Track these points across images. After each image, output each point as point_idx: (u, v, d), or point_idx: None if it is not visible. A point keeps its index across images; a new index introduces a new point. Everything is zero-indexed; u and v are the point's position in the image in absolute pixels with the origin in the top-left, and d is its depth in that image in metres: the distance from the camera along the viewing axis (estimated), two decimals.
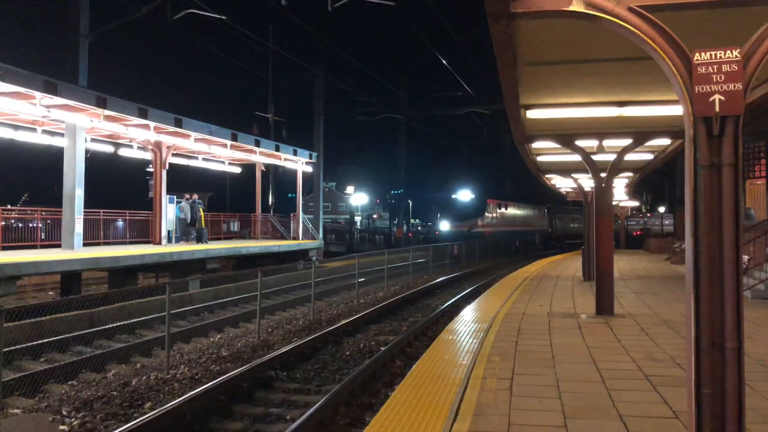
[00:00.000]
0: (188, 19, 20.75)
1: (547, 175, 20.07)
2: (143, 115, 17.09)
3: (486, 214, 44.14)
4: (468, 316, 10.78)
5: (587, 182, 18.13)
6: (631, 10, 3.80)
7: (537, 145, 12.37)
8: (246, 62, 74.32)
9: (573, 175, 18.09)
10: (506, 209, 47.89)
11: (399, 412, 5.26)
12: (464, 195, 45.21)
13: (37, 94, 14.11)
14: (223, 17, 20.56)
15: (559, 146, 11.41)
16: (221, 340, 12.06)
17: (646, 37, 3.77)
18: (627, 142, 10.70)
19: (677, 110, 8.18)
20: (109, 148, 20.23)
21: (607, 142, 11.15)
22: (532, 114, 9.25)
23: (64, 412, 7.33)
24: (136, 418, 6.79)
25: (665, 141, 11.83)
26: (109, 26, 20.11)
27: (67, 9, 19.84)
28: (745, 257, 13.29)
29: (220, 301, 16.45)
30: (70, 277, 15.59)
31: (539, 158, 15.41)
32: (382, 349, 10.60)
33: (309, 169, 29.87)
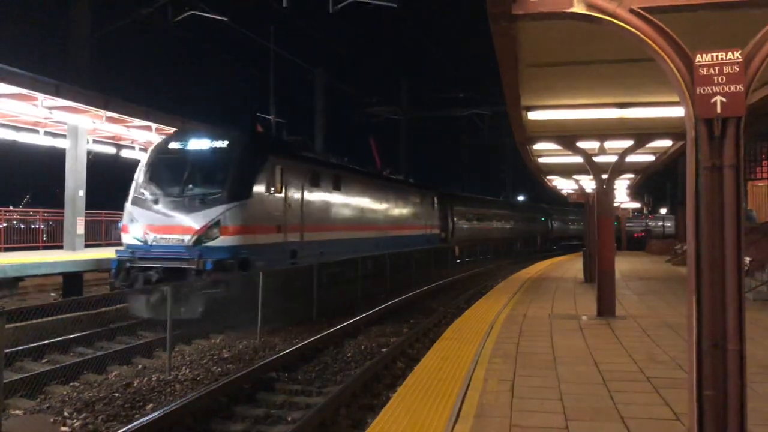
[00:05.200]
0: (190, 21, 20.77)
1: (548, 177, 20.07)
2: (145, 116, 17.12)
3: (252, 198, 13.28)
4: (469, 317, 10.77)
5: (589, 184, 18.13)
6: (632, 11, 3.80)
7: (538, 146, 12.38)
8: (247, 63, 74.45)
9: (574, 176, 18.11)
10: (333, 189, 17.68)
11: (400, 413, 5.25)
12: (198, 145, 13.76)
13: (40, 95, 14.15)
14: (225, 19, 20.59)
15: (561, 148, 11.41)
16: (222, 342, 12.04)
17: (647, 39, 3.78)
18: (628, 143, 10.70)
19: (679, 112, 8.17)
20: (111, 150, 20.27)
21: (609, 144, 11.16)
22: (533, 115, 9.25)
23: (66, 414, 7.33)
24: (137, 419, 6.79)
25: (667, 142, 11.84)
26: (112, 27, 20.14)
27: (70, 10, 19.87)
28: (747, 259, 13.28)
29: None
30: (72, 279, 15.61)
31: (540, 160, 15.42)
32: (384, 350, 10.60)
33: None
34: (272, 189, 13.84)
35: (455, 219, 32.94)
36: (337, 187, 17.73)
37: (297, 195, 15.11)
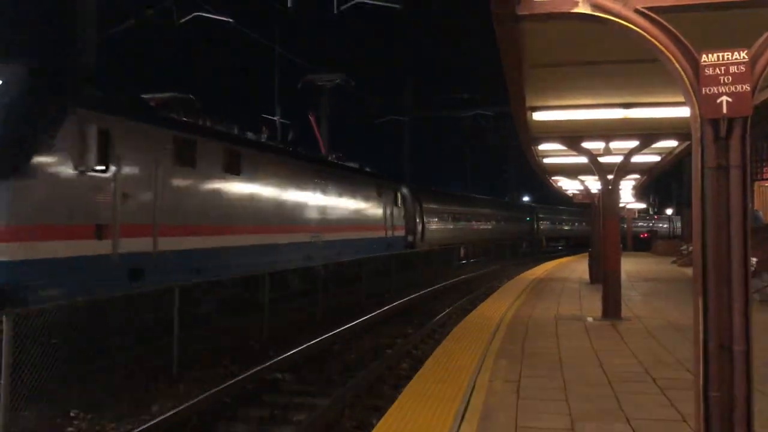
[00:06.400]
0: (195, 22, 20.81)
1: (553, 178, 20.03)
2: None
3: (31, 176, 7.87)
4: (475, 318, 10.76)
5: (594, 184, 18.08)
6: (637, 11, 3.79)
7: (543, 147, 12.35)
8: (252, 64, 74.66)
9: (580, 177, 18.06)
10: (227, 171, 12.06)
11: (405, 414, 5.25)
12: None
13: None
14: (230, 20, 20.62)
15: (566, 148, 11.38)
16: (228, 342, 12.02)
17: (652, 39, 3.76)
18: (634, 144, 10.67)
19: (684, 112, 8.09)
20: None
21: (614, 144, 11.13)
22: (538, 116, 9.24)
23: (72, 414, 7.34)
24: (144, 421, 6.80)
25: (672, 143, 11.79)
26: (117, 29, 20.23)
27: (76, 12, 19.95)
28: (753, 260, 13.23)
29: None
30: None
31: (545, 160, 15.37)
32: (389, 351, 10.59)
33: None
34: (85, 163, 8.55)
35: (425, 218, 27.72)
36: (233, 169, 12.16)
37: (144, 176, 9.70)
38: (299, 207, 15.32)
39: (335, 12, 21.66)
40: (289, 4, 21.14)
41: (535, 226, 52.64)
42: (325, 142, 32.39)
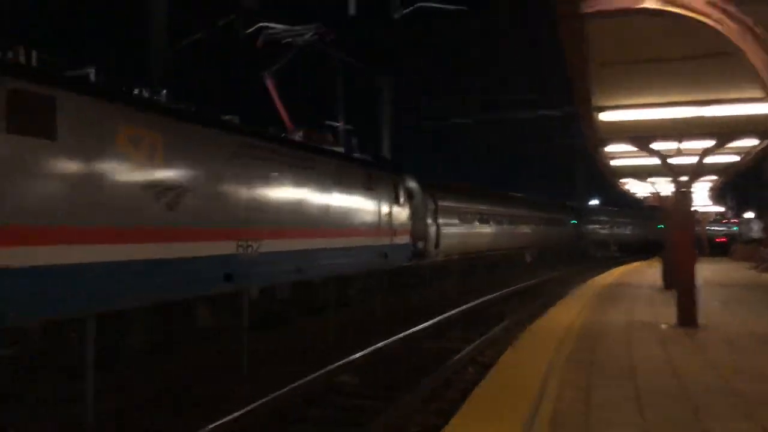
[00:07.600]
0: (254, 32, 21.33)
1: (621, 180, 19.45)
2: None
3: None
4: (542, 325, 10.55)
5: (666, 187, 17.43)
6: (709, 3, 3.64)
7: (610, 148, 12.01)
8: (314, 72, 75.80)
9: (650, 179, 17.44)
10: (39, 134, 6.48)
11: (472, 421, 5.19)
12: None
13: None
14: (296, 28, 21.05)
15: (635, 150, 11.04)
16: (297, 342, 12.17)
17: (727, 32, 3.60)
18: (709, 143, 10.22)
19: (764, 108, 7.77)
20: None
21: (687, 145, 10.70)
22: (604, 116, 9.00)
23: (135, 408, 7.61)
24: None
25: (752, 141, 11.22)
26: (186, 42, 21.01)
27: (148, 23, 20.83)
28: None
29: None
30: None
31: (613, 162, 14.92)
32: (454, 357, 10.51)
33: None
34: None
35: (440, 220, 21.61)
36: (36, 129, 6.63)
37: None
38: (212, 199, 9.44)
39: (396, 17, 21.76)
40: (351, 12, 21.39)
41: (582, 230, 45.80)
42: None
